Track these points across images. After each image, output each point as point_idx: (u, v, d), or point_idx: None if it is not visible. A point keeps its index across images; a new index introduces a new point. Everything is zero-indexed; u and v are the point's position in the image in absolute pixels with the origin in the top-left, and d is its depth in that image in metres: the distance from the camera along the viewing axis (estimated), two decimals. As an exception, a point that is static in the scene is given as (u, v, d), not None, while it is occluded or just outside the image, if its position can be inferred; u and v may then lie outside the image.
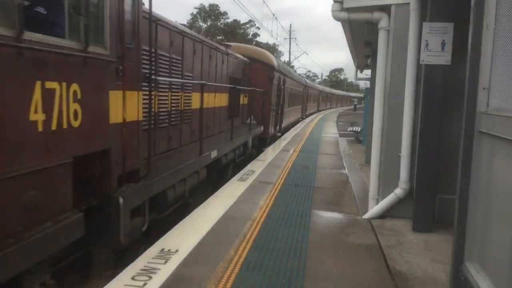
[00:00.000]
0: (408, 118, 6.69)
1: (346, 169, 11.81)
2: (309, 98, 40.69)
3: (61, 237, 3.93)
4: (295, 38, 65.78)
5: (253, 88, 14.98)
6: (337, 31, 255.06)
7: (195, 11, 72.23)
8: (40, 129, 3.66)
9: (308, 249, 5.51)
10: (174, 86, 7.97)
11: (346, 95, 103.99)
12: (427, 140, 6.22)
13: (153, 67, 6.13)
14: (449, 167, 6.73)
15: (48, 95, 3.74)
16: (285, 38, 61.31)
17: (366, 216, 7.10)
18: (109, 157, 4.88)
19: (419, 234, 6.42)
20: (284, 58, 79.18)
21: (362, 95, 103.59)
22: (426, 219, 6.41)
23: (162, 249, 5.22)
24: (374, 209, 7.08)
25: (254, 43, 75.93)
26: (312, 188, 9.11)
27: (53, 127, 3.83)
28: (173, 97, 7.94)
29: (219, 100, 10.64)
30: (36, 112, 3.62)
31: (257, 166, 11.26)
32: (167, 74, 7.69)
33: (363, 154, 15.02)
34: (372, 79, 13.38)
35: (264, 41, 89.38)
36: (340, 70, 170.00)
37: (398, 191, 6.86)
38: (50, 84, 3.78)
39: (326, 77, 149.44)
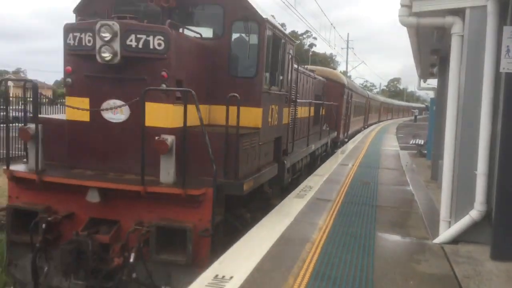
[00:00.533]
0: (486, 132, 5.99)
1: (410, 186, 11.05)
2: (370, 109, 43.25)
3: (272, 172, 8.39)
4: (352, 48, 64.59)
5: (330, 102, 18.85)
6: (396, 39, 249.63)
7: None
8: (270, 125, 8.30)
9: (374, 279, 4.95)
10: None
11: (407, 106, 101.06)
12: (509, 155, 5.51)
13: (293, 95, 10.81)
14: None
15: (272, 111, 8.34)
16: (342, 48, 60.22)
17: (438, 240, 6.42)
18: (281, 140, 9.32)
19: (499, 262, 5.70)
20: (341, 67, 77.86)
21: (423, 106, 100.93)
22: (507, 245, 5.67)
23: (216, 276, 4.84)
24: (446, 233, 6.39)
25: (310, 53, 75.42)
26: (375, 207, 8.48)
27: (271, 124, 8.34)
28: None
29: (311, 111, 14.60)
30: (271, 118, 8.32)
31: (314, 182, 10.74)
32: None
33: (427, 169, 14.12)
34: (439, 89, 12.56)
35: (322, 51, 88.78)
36: (399, 80, 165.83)
37: (474, 214, 6.15)
38: (273, 106, 8.44)
39: (384, 87, 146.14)
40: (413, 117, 76.73)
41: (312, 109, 14.62)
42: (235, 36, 7.62)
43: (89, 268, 5.77)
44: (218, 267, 5.11)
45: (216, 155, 5.83)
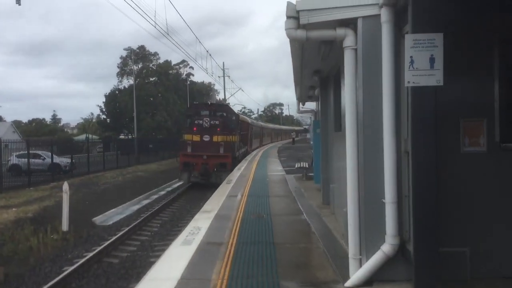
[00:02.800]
0: (390, 154, 5.35)
1: (304, 214, 10.36)
2: (264, 134, 62.54)
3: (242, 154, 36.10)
4: (228, 76, 65.06)
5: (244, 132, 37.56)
6: (269, 67, 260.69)
7: (125, 53, 69.95)
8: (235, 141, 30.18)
9: None
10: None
11: (288, 129, 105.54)
12: (423, 179, 4.84)
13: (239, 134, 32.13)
14: (452, 210, 5.48)
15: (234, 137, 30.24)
16: (219, 76, 60.37)
17: (350, 283, 5.57)
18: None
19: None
20: (220, 96, 78.25)
21: (303, 128, 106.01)
22: (430, 281, 4.97)
23: None
24: (358, 274, 5.57)
25: (188, 82, 74.63)
26: (273, 245, 7.52)
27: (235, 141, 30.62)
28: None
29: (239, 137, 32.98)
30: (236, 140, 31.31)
31: (203, 221, 9.54)
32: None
33: (316, 192, 13.71)
34: (323, 110, 12.21)
35: (200, 80, 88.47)
36: (275, 105, 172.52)
37: (386, 248, 5.42)
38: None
39: (262, 112, 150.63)
40: (291, 140, 79.55)
41: (238, 135, 31.38)
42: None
43: (205, 173, 25.42)
44: None
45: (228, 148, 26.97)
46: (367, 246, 5.59)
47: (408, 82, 4.79)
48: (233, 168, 25.69)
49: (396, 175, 5.36)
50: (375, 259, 5.49)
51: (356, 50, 5.65)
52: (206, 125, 26.12)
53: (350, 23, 5.65)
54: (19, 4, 22.34)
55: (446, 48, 4.78)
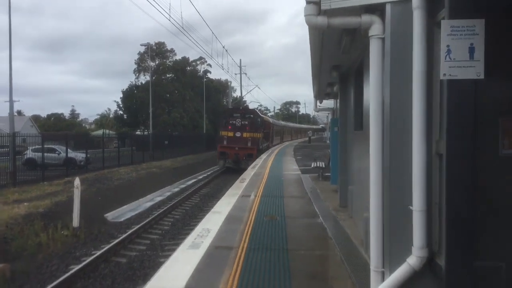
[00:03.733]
0: (420, 157, 4.76)
1: (320, 217, 9.80)
2: (284, 132, 72.03)
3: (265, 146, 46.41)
4: (245, 73, 64.59)
5: (266, 130, 44.18)
6: (286, 65, 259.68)
7: (142, 49, 69.91)
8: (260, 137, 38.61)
9: None
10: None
11: (305, 128, 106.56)
12: (459, 184, 4.26)
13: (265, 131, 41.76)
14: (487, 219, 4.86)
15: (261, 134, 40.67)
16: (235, 74, 59.94)
17: (371, 298, 5.03)
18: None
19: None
20: (237, 93, 77.89)
21: (320, 127, 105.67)
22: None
23: None
24: (381, 288, 5.02)
25: (205, 79, 74.34)
26: (286, 251, 6.99)
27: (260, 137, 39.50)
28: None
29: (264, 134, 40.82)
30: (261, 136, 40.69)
31: (213, 222, 9.05)
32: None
33: (333, 194, 13.13)
34: (342, 108, 11.61)
35: (217, 77, 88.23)
36: (291, 103, 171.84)
37: (413, 261, 4.84)
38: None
39: (278, 110, 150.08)
40: (307, 138, 79.18)
41: (262, 133, 38.33)
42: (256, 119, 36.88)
43: (236, 160, 34.11)
44: None
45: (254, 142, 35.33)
46: (391, 258, 5.02)
47: (444, 74, 4.20)
48: (258, 157, 33.58)
49: (426, 180, 4.78)
50: (400, 272, 4.91)
51: (383, 39, 5.07)
52: (238, 125, 35.09)
53: (377, 9, 5.08)
54: None
55: (487, 36, 4.19)
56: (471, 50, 4.17)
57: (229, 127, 34.90)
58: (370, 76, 5.23)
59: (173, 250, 12.31)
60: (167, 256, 11.70)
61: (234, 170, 31.74)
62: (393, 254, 5.01)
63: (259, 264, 6.29)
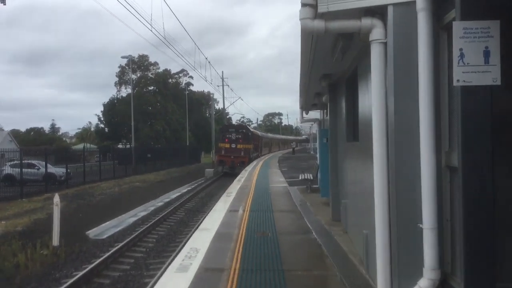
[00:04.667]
0: (429, 170, 4.40)
1: (314, 233, 9.38)
2: (272, 143, 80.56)
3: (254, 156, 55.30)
4: (228, 85, 64.38)
5: (256, 142, 52.63)
6: (269, 76, 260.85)
7: (123, 61, 69.23)
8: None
9: None
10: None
11: (291, 139, 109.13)
12: (477, 199, 3.87)
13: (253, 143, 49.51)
14: (507, 237, 4.48)
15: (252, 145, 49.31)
16: (218, 86, 60.13)
17: (380, 327, 4.61)
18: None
19: None
20: (220, 105, 77.56)
21: (303, 138, 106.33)
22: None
23: None
24: (390, 314, 4.60)
25: (187, 92, 73.83)
26: (282, 272, 6.54)
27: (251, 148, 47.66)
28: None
29: (253, 145, 48.17)
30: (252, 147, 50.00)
31: (201, 241, 8.55)
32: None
33: (324, 207, 12.74)
34: (332, 118, 11.25)
35: (200, 89, 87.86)
36: (273, 115, 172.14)
37: (424, 284, 4.45)
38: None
39: (261, 122, 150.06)
40: (290, 150, 79.50)
41: (253, 144, 46.36)
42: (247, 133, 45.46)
43: (232, 166, 41.48)
44: None
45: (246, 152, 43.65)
46: (400, 281, 4.62)
47: (458, 80, 3.84)
48: (248, 164, 40.95)
49: (437, 195, 4.41)
50: (410, 297, 4.52)
51: (385, 44, 4.72)
52: (233, 138, 43.16)
53: (378, 12, 4.74)
54: (4, 4, 21.57)
55: (502, 39, 3.86)
56: (486, 53, 3.83)
57: (226, 139, 43.09)
58: (372, 83, 4.86)
59: (158, 269, 11.84)
60: (152, 276, 11.22)
61: (220, 183, 34.26)
62: (402, 277, 4.62)
63: (253, 288, 5.83)
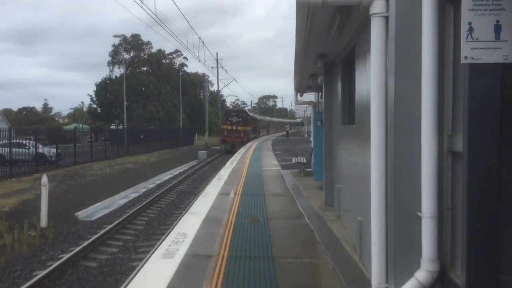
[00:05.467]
0: (430, 155, 4.09)
1: (306, 218, 9.12)
2: (269, 126, 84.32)
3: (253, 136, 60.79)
4: (222, 67, 63.84)
5: (254, 125, 59.46)
6: (264, 58, 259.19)
7: (117, 41, 68.16)
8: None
9: None
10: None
11: (287, 122, 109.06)
12: (482, 187, 3.58)
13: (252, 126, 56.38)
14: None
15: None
16: (212, 67, 60.18)
17: (375, 320, 4.34)
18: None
19: None
20: (214, 87, 76.90)
21: (299, 120, 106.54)
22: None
23: None
24: (385, 308, 4.34)
25: (181, 73, 73.01)
26: (272, 259, 6.27)
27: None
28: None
29: (252, 127, 55.77)
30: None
31: (190, 225, 8.27)
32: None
33: (317, 191, 12.49)
34: (327, 100, 10.92)
35: (194, 70, 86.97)
36: (268, 97, 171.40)
37: (422, 276, 4.18)
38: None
39: (255, 104, 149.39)
40: (285, 132, 79.23)
41: (251, 127, 52.90)
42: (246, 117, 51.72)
43: (233, 145, 48.07)
44: None
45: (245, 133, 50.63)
46: (396, 272, 4.35)
47: (465, 57, 3.51)
48: (247, 143, 47.34)
49: (437, 181, 4.11)
50: (407, 289, 4.25)
51: (386, 18, 4.37)
52: (234, 121, 49.26)
53: (378, -16, 4.37)
54: None
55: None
56: (497, 28, 3.51)
57: (228, 122, 49.50)
58: (371, 62, 4.52)
59: (147, 252, 11.56)
60: (140, 260, 10.95)
61: (213, 165, 34.90)
62: (398, 268, 4.35)
63: (242, 276, 5.56)
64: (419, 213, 4.19)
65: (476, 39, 3.51)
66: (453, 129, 4.16)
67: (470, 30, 3.51)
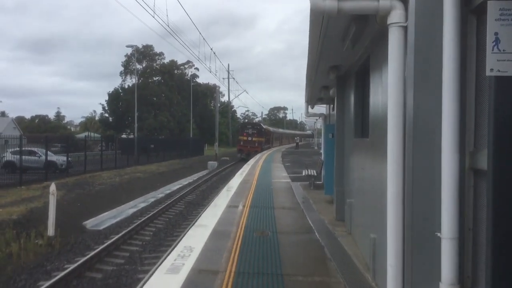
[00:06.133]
0: (451, 173, 3.86)
1: (316, 233, 8.87)
2: (282, 138, 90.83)
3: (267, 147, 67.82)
4: (233, 78, 64.46)
5: (267, 136, 66.45)
6: (275, 70, 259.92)
7: (129, 50, 68.66)
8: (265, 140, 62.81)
9: None
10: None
11: (299, 134, 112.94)
12: (507, 206, 3.34)
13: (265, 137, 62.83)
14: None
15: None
16: (223, 78, 60.88)
17: None
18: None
19: None
20: (225, 98, 77.00)
21: (310, 132, 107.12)
22: None
23: None
24: (401, 333, 4.09)
25: (192, 83, 73.26)
26: (281, 277, 6.03)
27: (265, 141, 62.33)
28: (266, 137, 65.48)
29: (265, 138, 61.75)
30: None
31: (197, 238, 8.06)
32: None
33: (327, 205, 12.24)
34: (339, 113, 10.71)
35: (205, 81, 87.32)
36: (278, 109, 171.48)
37: (441, 299, 3.93)
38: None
39: (266, 116, 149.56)
40: (294, 144, 79.97)
41: (265, 138, 59.62)
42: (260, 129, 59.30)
43: (248, 154, 53.99)
44: None
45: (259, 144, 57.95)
46: (414, 295, 4.11)
47: (491, 70, 3.30)
48: (261, 152, 53.03)
49: (458, 200, 3.88)
50: (425, 314, 4.00)
51: (405, 28, 4.18)
52: (250, 132, 55.52)
53: (398, -8, 4.19)
54: None
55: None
56: (526, 39, 3.28)
57: (244, 134, 56.00)
58: (388, 73, 4.31)
59: (153, 264, 11.37)
60: (146, 272, 10.75)
61: (222, 176, 34.58)
62: (415, 290, 4.09)
63: (250, 295, 5.33)
64: (438, 234, 3.94)
65: (503, 50, 3.30)
66: (475, 145, 3.93)
67: (497, 41, 3.30)
